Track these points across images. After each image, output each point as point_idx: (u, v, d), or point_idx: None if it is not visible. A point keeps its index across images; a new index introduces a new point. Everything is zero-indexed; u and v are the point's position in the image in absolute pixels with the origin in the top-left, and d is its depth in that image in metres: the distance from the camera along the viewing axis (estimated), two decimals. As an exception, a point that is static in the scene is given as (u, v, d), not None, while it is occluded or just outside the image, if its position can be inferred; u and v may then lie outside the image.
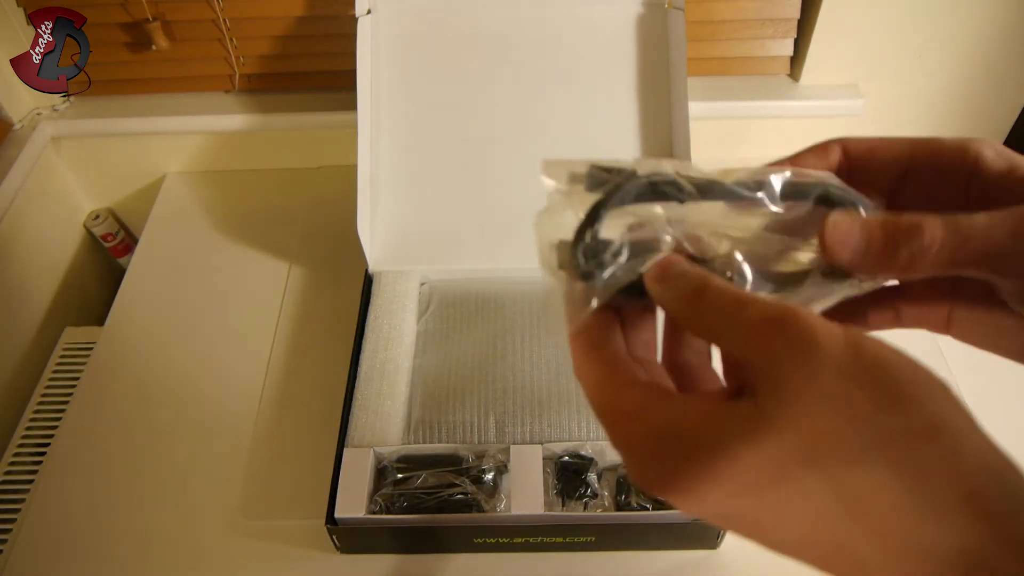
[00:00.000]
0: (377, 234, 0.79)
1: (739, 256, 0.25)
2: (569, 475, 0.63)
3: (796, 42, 0.90)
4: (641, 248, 0.24)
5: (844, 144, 0.27)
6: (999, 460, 0.19)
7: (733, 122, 0.96)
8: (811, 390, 0.19)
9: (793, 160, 0.27)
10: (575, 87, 0.80)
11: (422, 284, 0.79)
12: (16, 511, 0.70)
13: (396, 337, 0.72)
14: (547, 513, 0.60)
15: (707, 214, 0.25)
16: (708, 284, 0.23)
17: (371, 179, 0.77)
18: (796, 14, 0.87)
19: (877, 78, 0.91)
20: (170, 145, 0.99)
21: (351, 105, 0.75)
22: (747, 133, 0.97)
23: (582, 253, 0.24)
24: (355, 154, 0.75)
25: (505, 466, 0.63)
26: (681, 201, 0.25)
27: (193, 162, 1.00)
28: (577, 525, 0.61)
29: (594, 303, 0.24)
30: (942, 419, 0.19)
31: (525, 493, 0.61)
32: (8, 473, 0.75)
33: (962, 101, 0.93)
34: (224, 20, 0.87)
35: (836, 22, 0.85)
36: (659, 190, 0.25)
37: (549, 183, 0.25)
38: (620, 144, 0.80)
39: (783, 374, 0.20)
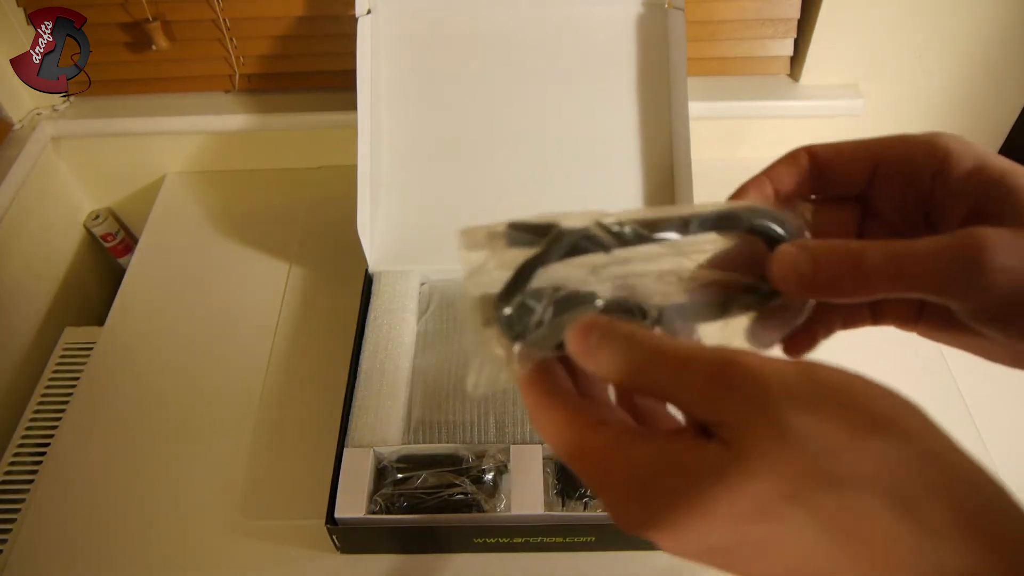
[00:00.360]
0: (377, 234, 0.79)
1: (676, 299, 0.25)
2: (568, 475, 0.63)
3: (796, 42, 0.90)
4: (571, 303, 0.24)
5: (810, 150, 0.28)
6: (988, 481, 0.19)
7: (733, 122, 0.96)
8: (778, 432, 0.19)
9: (767, 172, 0.28)
10: (575, 87, 0.80)
11: (422, 284, 0.79)
12: (16, 511, 0.70)
13: (396, 337, 0.72)
14: (547, 513, 0.60)
15: (642, 259, 0.25)
16: (638, 347, 0.22)
17: (371, 179, 0.77)
18: (796, 14, 0.87)
19: (877, 78, 0.91)
20: (170, 145, 0.99)
21: (351, 105, 0.75)
22: (747, 133, 0.97)
23: (505, 319, 0.24)
24: (355, 154, 0.75)
25: (505, 466, 0.63)
26: (607, 251, 0.24)
27: (193, 162, 1.00)
28: (577, 525, 0.61)
29: (526, 361, 0.24)
30: (923, 441, 0.19)
31: (525, 493, 0.61)
32: (8, 473, 0.75)
33: (962, 101, 0.93)
34: (224, 20, 0.87)
35: (836, 22, 0.85)
36: (583, 245, 0.24)
37: (467, 255, 0.25)
38: (620, 144, 0.80)
39: (746, 425, 0.20)
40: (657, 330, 0.25)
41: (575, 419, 0.23)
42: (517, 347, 0.24)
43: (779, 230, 0.25)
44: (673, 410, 0.25)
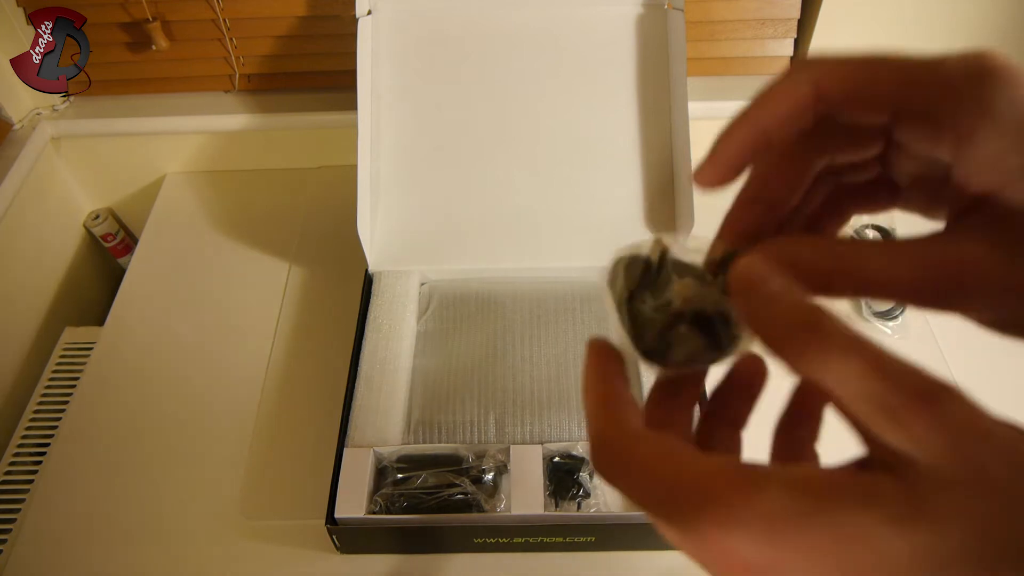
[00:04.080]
0: (377, 234, 0.79)
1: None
2: (561, 475, 0.63)
3: (796, 42, 0.90)
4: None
5: (818, 83, 0.21)
6: None
7: (733, 122, 0.96)
8: (988, 485, 0.16)
9: (755, 109, 0.23)
10: (575, 87, 0.80)
11: (422, 284, 0.79)
12: (16, 511, 0.70)
13: (396, 337, 0.72)
14: (547, 513, 0.60)
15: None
16: (824, 316, 0.18)
17: (371, 179, 0.77)
18: (796, 14, 0.87)
19: (877, 78, 0.91)
20: (170, 145, 0.99)
21: (351, 105, 0.75)
22: (747, 133, 0.97)
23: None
24: (355, 154, 0.75)
25: (505, 466, 0.63)
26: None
27: (193, 162, 1.00)
28: (577, 525, 0.61)
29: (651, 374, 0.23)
30: None
31: (525, 493, 0.61)
32: (8, 473, 0.75)
33: (962, 101, 0.93)
34: (224, 20, 0.87)
35: (836, 22, 0.85)
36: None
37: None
38: (620, 144, 0.80)
39: (949, 463, 0.17)
40: None
41: (622, 423, 0.20)
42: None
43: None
44: None
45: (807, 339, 0.18)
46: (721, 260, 0.23)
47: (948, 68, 0.20)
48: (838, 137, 0.24)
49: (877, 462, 0.18)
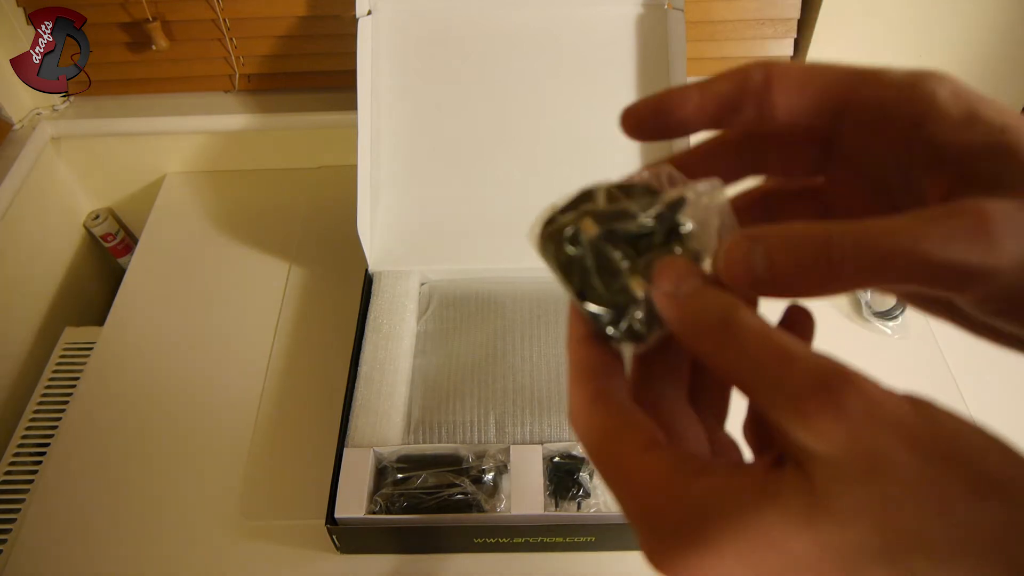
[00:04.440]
0: (377, 234, 0.79)
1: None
2: (561, 475, 0.63)
3: (796, 42, 0.90)
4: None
5: (768, 68, 0.21)
6: None
7: (733, 122, 0.96)
8: (887, 474, 0.16)
9: (705, 81, 0.22)
10: (575, 87, 0.80)
11: (422, 284, 0.79)
12: (16, 511, 0.70)
13: (396, 337, 0.72)
14: (547, 513, 0.60)
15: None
16: (738, 316, 0.18)
17: (371, 179, 0.77)
18: (796, 14, 0.87)
19: (877, 78, 0.91)
20: (170, 145, 0.99)
21: (351, 105, 0.75)
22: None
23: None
24: (355, 154, 0.75)
25: (505, 466, 0.63)
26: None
27: (193, 162, 1.00)
28: (577, 525, 0.61)
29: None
30: None
31: (525, 493, 0.61)
32: (8, 473, 0.75)
33: (962, 101, 0.93)
34: (224, 20, 0.87)
35: (836, 22, 0.85)
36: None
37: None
38: (620, 144, 0.80)
39: (844, 459, 0.16)
40: None
41: (621, 435, 0.20)
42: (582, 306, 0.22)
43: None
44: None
45: (719, 333, 0.18)
46: (670, 207, 0.22)
47: (892, 72, 0.21)
48: (777, 164, 0.24)
49: (788, 457, 0.18)
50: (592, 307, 0.22)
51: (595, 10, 0.79)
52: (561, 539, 0.62)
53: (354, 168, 0.75)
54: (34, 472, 0.72)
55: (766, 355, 0.18)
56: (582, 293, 0.22)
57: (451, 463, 0.64)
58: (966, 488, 0.16)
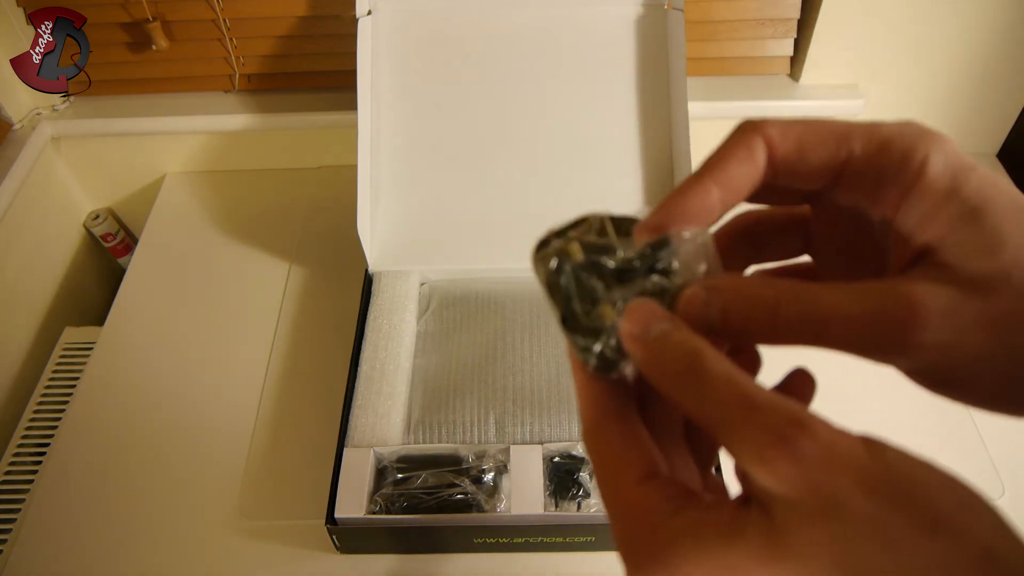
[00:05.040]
0: (377, 234, 0.79)
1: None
2: (561, 475, 0.63)
3: (796, 42, 0.90)
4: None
5: (768, 139, 0.22)
6: None
7: (733, 122, 0.93)
8: (839, 513, 0.17)
9: (713, 174, 0.22)
10: (575, 87, 0.80)
11: (422, 284, 0.79)
12: (16, 511, 0.70)
13: (396, 337, 0.72)
14: (547, 513, 0.60)
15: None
16: (704, 362, 0.19)
17: (371, 179, 0.77)
18: (796, 14, 0.87)
19: (877, 78, 0.91)
20: (170, 145, 0.99)
21: (351, 105, 0.75)
22: (747, 133, 0.97)
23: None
24: (355, 154, 0.75)
25: (505, 466, 0.63)
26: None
27: (193, 162, 1.00)
28: (577, 525, 0.61)
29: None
30: (981, 542, 0.17)
31: (525, 493, 0.61)
32: (8, 473, 0.75)
33: (962, 101, 0.93)
34: (224, 20, 0.87)
35: (836, 22, 0.85)
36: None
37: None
38: (620, 144, 0.80)
39: (801, 502, 0.17)
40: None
41: (622, 463, 0.21)
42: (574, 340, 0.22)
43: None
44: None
45: (684, 377, 0.20)
46: (655, 246, 0.22)
47: (886, 130, 0.21)
48: (768, 200, 0.25)
49: (753, 498, 0.19)
50: (570, 332, 0.22)
51: (595, 10, 0.79)
52: (561, 539, 0.62)
53: (354, 168, 0.75)
54: (34, 472, 0.72)
55: (729, 401, 0.19)
56: (564, 316, 0.23)
57: (451, 463, 0.64)
58: (913, 526, 0.17)
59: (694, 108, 0.76)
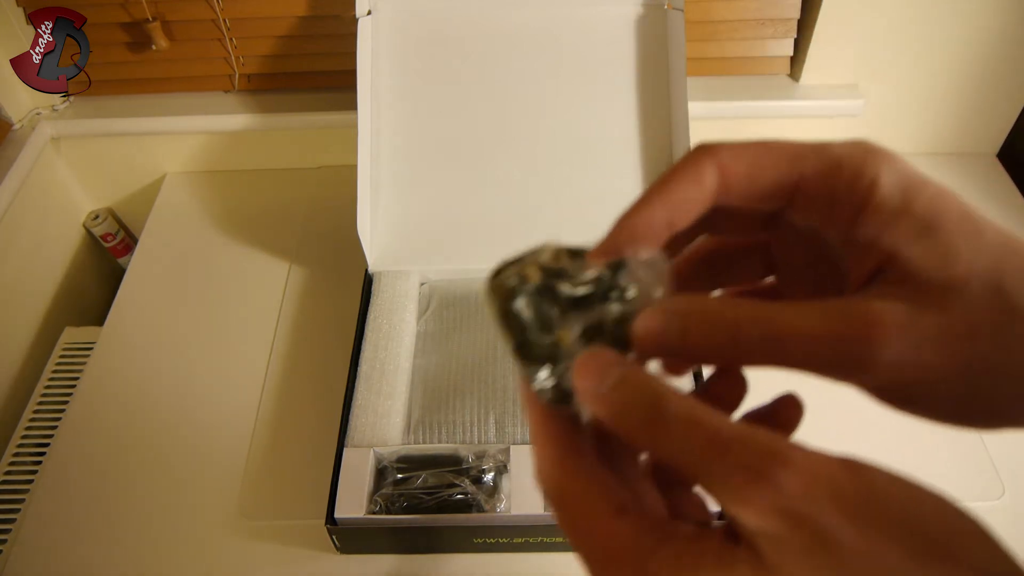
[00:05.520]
0: (377, 234, 0.79)
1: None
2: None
3: (796, 42, 0.90)
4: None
5: (721, 164, 0.22)
6: None
7: (733, 122, 0.96)
8: (828, 547, 0.16)
9: (662, 197, 0.22)
10: (575, 87, 0.80)
11: (422, 284, 0.79)
12: (16, 511, 0.70)
13: (396, 337, 0.72)
14: (547, 513, 0.60)
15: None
16: (665, 406, 0.19)
17: (371, 179, 0.77)
18: (796, 14, 0.87)
19: (877, 78, 0.91)
20: (170, 145, 0.99)
21: (351, 105, 0.75)
22: (747, 133, 0.97)
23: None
24: (355, 154, 0.75)
25: (505, 466, 0.63)
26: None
27: (193, 162, 1.00)
28: (577, 525, 0.61)
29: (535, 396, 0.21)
30: (980, 569, 0.16)
31: (525, 493, 0.61)
32: (8, 473, 0.75)
33: (962, 101, 0.93)
34: (224, 20, 0.87)
35: (836, 22, 0.85)
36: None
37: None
38: (620, 144, 0.80)
39: (789, 531, 0.17)
40: None
41: (592, 498, 0.20)
42: (526, 372, 0.22)
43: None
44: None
45: (648, 426, 0.19)
46: (610, 269, 0.22)
47: (836, 150, 0.21)
48: (726, 226, 0.25)
49: (740, 535, 0.19)
50: (524, 362, 0.22)
51: (595, 10, 0.79)
52: (561, 539, 0.62)
53: (354, 168, 0.75)
54: (34, 472, 0.72)
55: (697, 442, 0.18)
56: (519, 345, 0.22)
57: (451, 463, 0.64)
58: (908, 556, 0.16)
59: (694, 108, 0.76)
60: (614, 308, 0.21)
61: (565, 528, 0.20)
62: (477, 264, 0.78)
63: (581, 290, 0.22)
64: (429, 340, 0.74)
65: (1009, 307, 0.19)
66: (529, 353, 0.22)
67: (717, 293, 0.26)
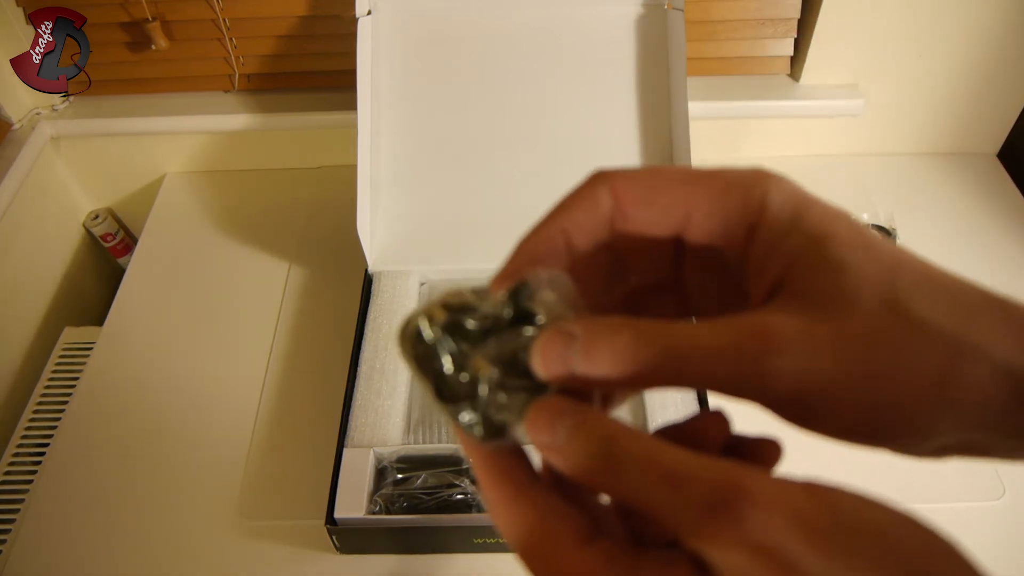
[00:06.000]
0: (377, 234, 0.79)
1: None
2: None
3: (796, 42, 0.90)
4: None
5: (615, 188, 0.22)
6: None
7: (733, 122, 0.96)
8: None
9: (561, 220, 0.23)
10: (575, 87, 0.80)
11: (422, 284, 0.79)
12: (16, 511, 0.70)
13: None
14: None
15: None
16: (619, 447, 0.19)
17: (371, 179, 0.77)
18: (796, 14, 0.87)
19: (877, 78, 0.91)
20: (170, 145, 0.99)
21: (351, 105, 0.75)
22: (747, 133, 0.97)
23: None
24: (355, 154, 0.75)
25: (505, 466, 0.63)
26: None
27: (193, 162, 1.00)
28: (577, 525, 0.61)
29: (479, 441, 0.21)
30: None
31: (525, 493, 0.61)
32: (8, 473, 0.75)
33: (962, 101, 0.93)
34: (224, 20, 0.87)
35: (836, 22, 0.85)
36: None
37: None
38: (620, 144, 0.80)
39: (756, 566, 0.16)
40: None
41: (555, 530, 0.20)
42: (462, 416, 0.21)
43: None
44: None
45: (606, 472, 0.19)
46: (513, 292, 0.21)
47: (728, 175, 0.22)
48: (636, 266, 0.25)
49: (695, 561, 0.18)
50: (446, 403, 0.21)
51: (595, 10, 0.79)
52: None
53: (354, 168, 0.75)
54: (34, 472, 0.72)
55: (655, 483, 0.18)
56: (437, 388, 0.21)
57: (451, 463, 0.64)
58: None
59: (694, 108, 0.76)
60: (527, 333, 0.21)
61: (533, 569, 0.20)
62: (477, 264, 0.78)
63: (487, 321, 0.21)
64: (429, 340, 0.74)
65: (903, 316, 0.19)
66: (449, 394, 0.21)
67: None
